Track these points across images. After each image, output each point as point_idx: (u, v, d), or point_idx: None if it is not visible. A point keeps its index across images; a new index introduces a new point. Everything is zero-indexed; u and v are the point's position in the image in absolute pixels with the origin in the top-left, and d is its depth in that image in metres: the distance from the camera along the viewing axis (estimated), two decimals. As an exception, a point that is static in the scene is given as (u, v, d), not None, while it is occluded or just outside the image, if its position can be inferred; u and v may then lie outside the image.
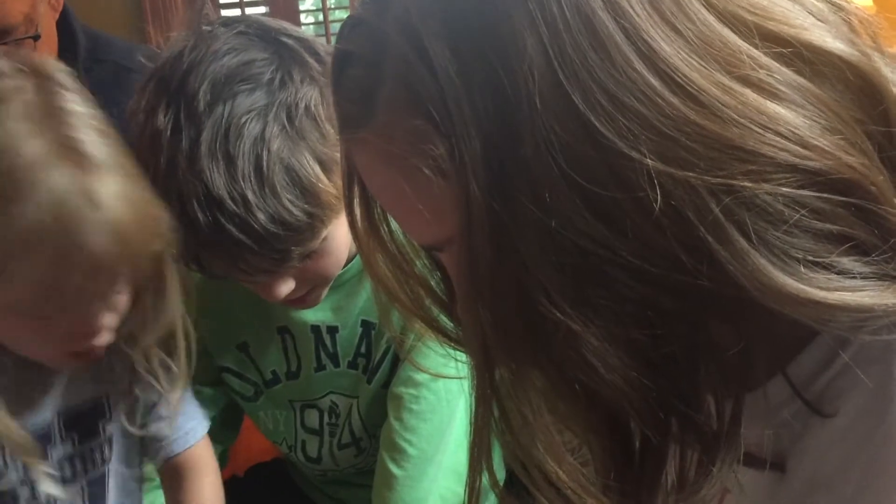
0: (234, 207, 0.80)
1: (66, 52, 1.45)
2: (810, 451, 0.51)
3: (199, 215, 0.80)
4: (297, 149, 0.82)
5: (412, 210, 0.49)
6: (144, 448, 1.02)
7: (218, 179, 0.79)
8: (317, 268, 0.90)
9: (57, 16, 1.44)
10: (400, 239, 0.60)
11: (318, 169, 0.83)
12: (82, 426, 0.92)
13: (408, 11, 0.46)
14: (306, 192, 0.82)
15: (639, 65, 0.42)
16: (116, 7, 2.26)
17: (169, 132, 0.81)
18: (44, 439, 0.90)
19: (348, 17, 0.53)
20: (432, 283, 0.61)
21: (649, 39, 0.42)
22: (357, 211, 0.58)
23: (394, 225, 0.59)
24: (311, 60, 0.85)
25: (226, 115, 0.80)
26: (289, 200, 0.81)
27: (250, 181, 0.80)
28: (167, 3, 2.23)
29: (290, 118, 0.82)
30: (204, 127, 0.80)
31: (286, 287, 0.90)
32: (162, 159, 0.81)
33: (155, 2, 2.23)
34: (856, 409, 0.49)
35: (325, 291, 0.97)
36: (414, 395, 1.00)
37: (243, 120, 0.80)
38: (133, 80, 1.45)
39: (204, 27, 0.87)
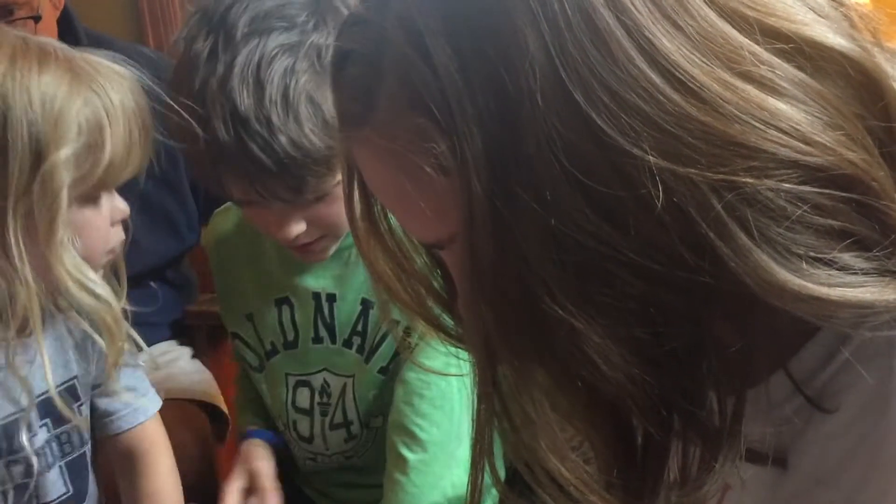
0: (258, 127, 0.85)
1: (67, 52, 1.46)
2: (812, 446, 0.51)
3: (224, 132, 0.86)
4: (324, 85, 0.87)
5: (413, 208, 0.49)
6: (94, 424, 1.03)
7: (246, 100, 0.86)
8: (328, 212, 0.95)
9: (58, 13, 1.45)
10: (400, 236, 0.60)
11: None
12: (57, 412, 0.93)
13: (408, 9, 0.46)
14: (327, 125, 0.87)
15: (640, 61, 0.42)
16: (115, 10, 2.27)
17: (205, 56, 0.88)
18: (14, 427, 0.91)
19: (348, 14, 0.53)
20: (433, 280, 0.61)
21: (650, 36, 0.42)
22: (357, 209, 0.58)
23: (394, 222, 0.59)
24: (343, 10, 0.91)
25: (260, 46, 0.87)
26: (311, 129, 0.87)
27: (276, 106, 0.86)
28: (165, 8, 2.23)
29: (319, 57, 0.88)
30: (238, 54, 0.87)
31: (297, 227, 0.95)
32: (196, 81, 0.87)
33: (153, 6, 2.23)
34: (857, 405, 0.49)
35: (334, 247, 1.02)
36: (425, 381, 1.01)
37: (275, 52, 0.87)
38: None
39: None
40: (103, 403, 1.03)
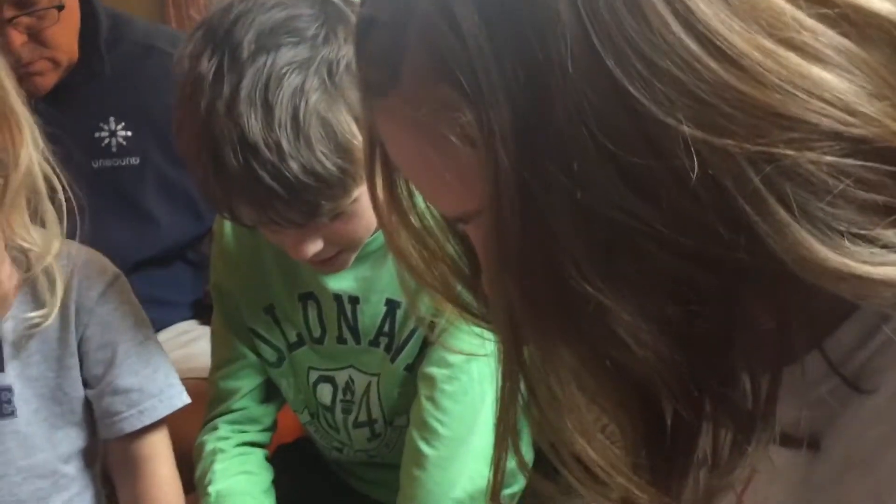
0: (268, 154, 0.82)
1: (88, 30, 1.46)
2: (847, 429, 0.50)
3: (233, 160, 0.83)
4: (335, 104, 0.84)
5: (438, 180, 0.48)
6: (99, 425, 1.01)
7: (255, 125, 0.82)
8: (346, 230, 0.92)
9: (79, -5, 1.45)
10: (423, 211, 0.58)
11: (354, 126, 0.85)
12: None
13: None
14: (340, 147, 0.84)
15: (676, 27, 0.41)
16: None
17: (211, 78, 0.84)
18: None
19: None
20: (456, 257, 0.60)
21: (688, 1, 0.41)
22: (378, 182, 0.57)
23: (416, 198, 0.58)
24: (354, 20, 0.87)
25: (268, 65, 0.83)
26: (322, 153, 0.83)
27: (286, 130, 0.82)
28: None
29: (330, 74, 0.85)
30: (245, 74, 0.83)
31: (314, 246, 0.92)
32: (202, 104, 0.84)
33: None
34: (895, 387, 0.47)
35: (353, 258, 0.98)
36: (447, 375, 0.99)
37: (284, 71, 0.83)
38: (154, 58, 1.47)
39: None
40: (105, 403, 1.00)
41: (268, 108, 0.82)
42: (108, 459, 1.06)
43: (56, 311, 0.96)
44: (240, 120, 0.82)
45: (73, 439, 1.02)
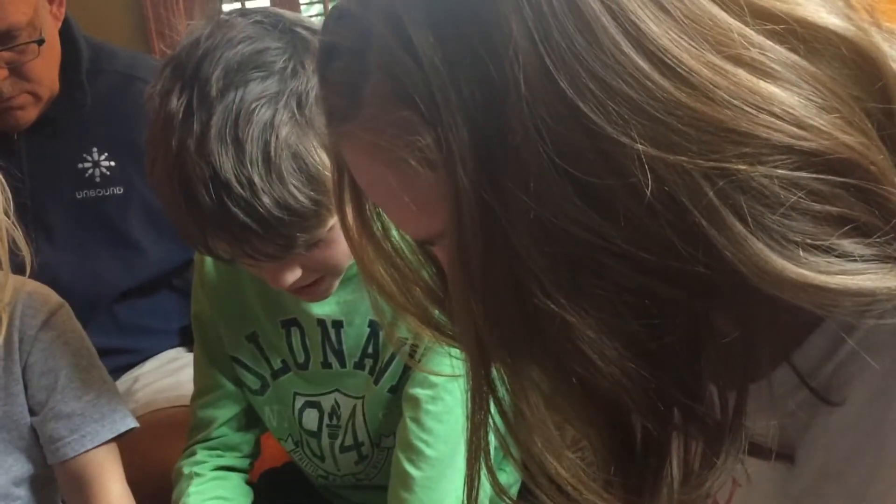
0: (241, 191, 0.82)
1: (69, 61, 1.46)
2: (819, 440, 0.50)
3: (206, 198, 0.82)
4: (306, 136, 0.84)
5: (402, 204, 0.48)
6: (45, 450, 1.03)
7: (226, 163, 0.82)
8: (324, 257, 0.92)
9: (59, 25, 1.45)
10: (393, 235, 0.59)
11: (325, 157, 0.84)
12: None
13: (391, 1, 0.45)
14: (313, 179, 0.84)
15: (626, 47, 0.41)
16: (119, 18, 2.27)
17: (181, 116, 0.84)
18: None
19: (332, 7, 0.52)
20: (429, 279, 0.60)
21: (637, 20, 0.41)
22: (348, 210, 0.58)
23: (385, 221, 0.58)
24: None
25: (237, 101, 0.83)
26: (294, 186, 0.83)
27: (258, 166, 0.82)
28: (171, 14, 2.23)
29: (300, 106, 0.84)
30: (215, 111, 0.83)
31: (292, 275, 0.91)
32: (173, 142, 0.84)
33: (158, 12, 2.23)
34: (864, 397, 0.47)
35: (336, 283, 0.98)
36: (431, 395, 0.99)
37: (253, 106, 0.83)
38: (136, 88, 1.47)
39: (221, 16, 0.90)
40: (49, 429, 1.02)
41: (238, 145, 0.82)
42: (60, 482, 1.07)
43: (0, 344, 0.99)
44: (211, 158, 0.82)
45: (23, 464, 1.04)
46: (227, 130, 0.82)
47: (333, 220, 0.87)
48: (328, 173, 0.83)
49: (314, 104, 0.84)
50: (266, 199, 0.82)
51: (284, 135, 0.83)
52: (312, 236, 0.87)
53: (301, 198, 0.83)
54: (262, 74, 0.84)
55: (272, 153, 0.82)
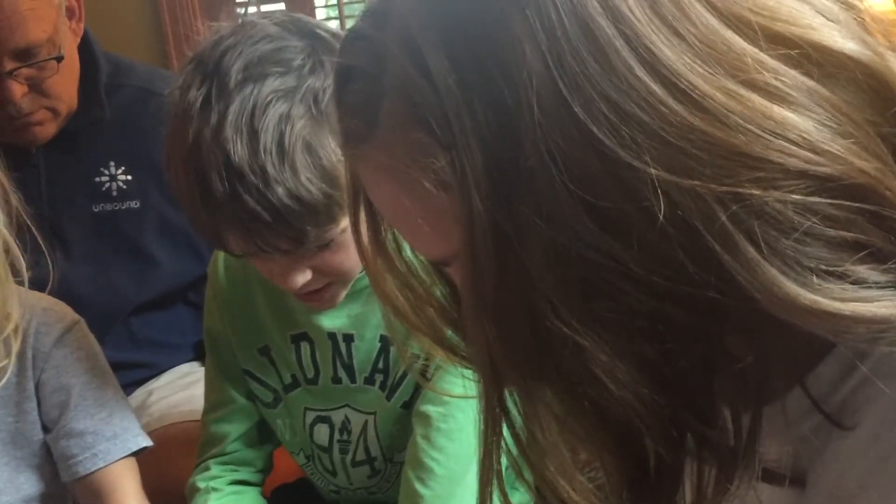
0: (253, 179, 0.83)
1: (88, 77, 1.47)
2: (830, 465, 0.50)
3: (218, 185, 0.84)
4: (321, 131, 0.85)
5: (415, 224, 0.48)
6: (59, 467, 1.03)
7: (240, 151, 0.83)
8: (334, 260, 0.92)
9: (78, 41, 1.46)
10: (408, 255, 0.59)
11: (339, 153, 0.84)
12: None
13: (407, 24, 0.46)
14: (326, 173, 0.85)
15: (640, 71, 0.41)
16: (138, 32, 2.29)
17: (199, 106, 0.86)
18: None
19: (348, 30, 0.52)
20: (443, 299, 0.60)
21: (650, 45, 0.41)
22: (363, 229, 0.58)
23: (401, 241, 0.58)
24: None
25: (254, 94, 0.84)
26: (307, 178, 0.84)
27: (271, 156, 0.83)
28: (189, 28, 2.25)
29: (316, 102, 0.86)
30: (232, 102, 0.84)
31: (302, 276, 0.92)
32: (190, 131, 0.85)
33: (176, 26, 2.25)
34: (876, 422, 0.47)
35: (344, 293, 0.99)
36: (442, 413, 0.98)
37: (270, 98, 0.85)
38: (154, 102, 1.48)
39: (243, 18, 0.92)
40: (61, 447, 1.02)
41: (253, 134, 0.83)
42: (78, 497, 1.07)
43: (13, 361, 0.99)
44: (226, 145, 0.83)
45: (35, 482, 1.04)
46: (243, 120, 0.84)
47: (345, 222, 0.88)
48: (342, 168, 0.84)
49: (330, 101, 0.85)
50: (279, 189, 0.83)
51: (299, 128, 0.84)
52: (323, 232, 0.88)
53: (313, 190, 0.84)
54: (281, 70, 0.86)
55: (286, 144, 0.84)
